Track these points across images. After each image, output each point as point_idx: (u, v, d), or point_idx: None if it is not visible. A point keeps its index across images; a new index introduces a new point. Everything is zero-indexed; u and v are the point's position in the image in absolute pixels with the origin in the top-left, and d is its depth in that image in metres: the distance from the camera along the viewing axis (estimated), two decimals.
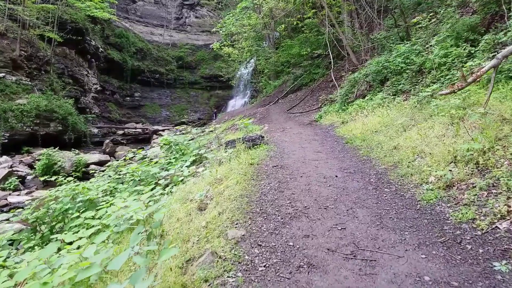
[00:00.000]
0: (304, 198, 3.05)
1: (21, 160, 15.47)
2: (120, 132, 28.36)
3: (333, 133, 7.09)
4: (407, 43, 8.94)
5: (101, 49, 31.05)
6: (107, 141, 18.26)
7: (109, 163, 7.81)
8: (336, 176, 3.82)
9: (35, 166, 13.32)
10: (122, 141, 26.05)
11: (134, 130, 28.74)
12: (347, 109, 8.82)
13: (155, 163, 5.61)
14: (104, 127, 27.22)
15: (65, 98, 21.42)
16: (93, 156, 14.27)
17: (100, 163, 14.22)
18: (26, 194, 10.98)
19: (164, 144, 6.51)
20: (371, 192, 3.20)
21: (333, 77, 10.37)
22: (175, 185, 4.91)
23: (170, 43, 45.40)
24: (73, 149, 15.35)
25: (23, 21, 19.73)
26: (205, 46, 44.42)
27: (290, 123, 9.79)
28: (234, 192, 3.18)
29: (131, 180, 5.17)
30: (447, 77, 6.47)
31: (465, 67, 5.61)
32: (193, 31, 47.63)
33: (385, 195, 3.10)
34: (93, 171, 9.68)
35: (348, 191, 3.23)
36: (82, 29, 25.30)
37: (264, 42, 21.98)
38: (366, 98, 8.91)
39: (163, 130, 28.50)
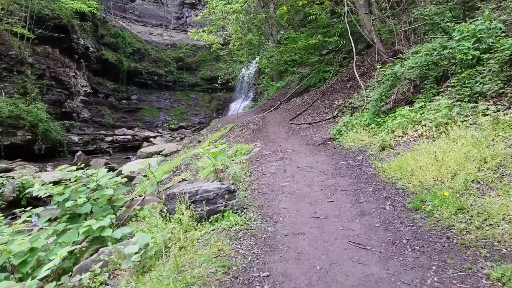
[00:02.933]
0: None
1: None
2: (109, 139, 25.51)
3: (372, 172, 3.84)
4: (479, 20, 5.66)
5: (92, 48, 28.64)
6: (79, 153, 15.38)
7: None
8: None
9: None
10: (108, 149, 23.19)
11: (123, 137, 25.73)
12: (383, 122, 5.58)
13: None
14: (90, 134, 24.37)
15: (43, 102, 18.76)
16: (48, 176, 11.33)
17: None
18: None
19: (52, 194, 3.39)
20: None
21: (356, 74, 7.17)
22: None
23: (169, 43, 43.36)
24: (26, 162, 12.42)
25: None
26: (207, 46, 42.01)
27: (293, 142, 6.58)
28: None
29: None
30: None
31: None
32: None
33: None
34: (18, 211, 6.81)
35: None
36: (67, 26, 22.80)
37: (267, 42, 18.99)
38: (413, 105, 5.67)
39: (154, 137, 25.33)
